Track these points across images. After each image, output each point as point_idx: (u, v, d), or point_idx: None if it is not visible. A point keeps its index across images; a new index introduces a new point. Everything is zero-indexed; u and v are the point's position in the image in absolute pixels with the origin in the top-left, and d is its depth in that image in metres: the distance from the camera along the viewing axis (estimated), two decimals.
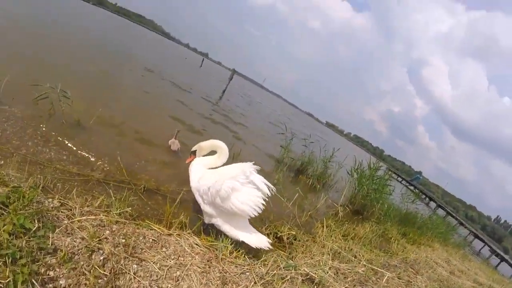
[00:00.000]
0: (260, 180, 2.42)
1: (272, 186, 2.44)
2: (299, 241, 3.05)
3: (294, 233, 3.08)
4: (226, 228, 2.36)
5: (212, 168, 2.75)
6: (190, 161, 2.87)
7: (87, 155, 2.99)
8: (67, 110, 3.52)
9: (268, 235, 2.86)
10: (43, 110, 3.43)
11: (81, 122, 3.56)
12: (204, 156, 2.94)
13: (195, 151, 2.93)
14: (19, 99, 3.42)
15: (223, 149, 2.79)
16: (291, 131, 6.75)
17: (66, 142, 3.04)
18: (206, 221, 2.50)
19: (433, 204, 22.71)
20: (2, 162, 2.33)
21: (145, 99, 6.49)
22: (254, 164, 2.50)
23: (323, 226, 3.67)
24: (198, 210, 2.64)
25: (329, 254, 3.01)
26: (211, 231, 2.46)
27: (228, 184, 2.25)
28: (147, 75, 9.82)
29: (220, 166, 2.76)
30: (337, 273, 2.78)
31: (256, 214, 2.27)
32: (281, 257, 2.54)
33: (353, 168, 6.15)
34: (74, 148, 3.00)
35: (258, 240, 2.36)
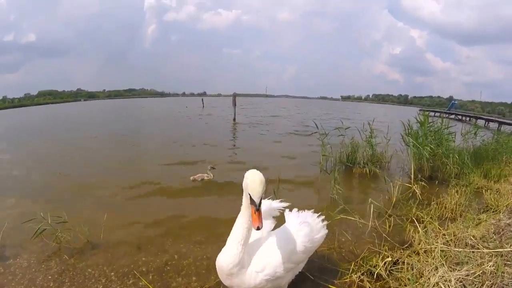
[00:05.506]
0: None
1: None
2: (401, 263, 2.19)
3: (390, 258, 2.22)
4: (301, 265, 2.02)
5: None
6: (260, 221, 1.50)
7: (111, 276, 2.33)
8: (71, 234, 2.76)
9: (361, 281, 2.06)
10: (48, 247, 2.69)
11: (91, 241, 2.80)
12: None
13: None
14: (22, 244, 2.74)
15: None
16: (322, 126, 5.30)
17: (81, 275, 2.35)
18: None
19: (481, 122, 20.67)
20: None
21: (153, 179, 4.93)
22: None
23: (413, 222, 2.78)
24: None
25: (443, 265, 2.12)
26: None
27: (306, 230, 1.90)
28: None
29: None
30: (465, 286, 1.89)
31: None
32: None
33: (403, 134, 5.13)
34: (95, 277, 2.31)
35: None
